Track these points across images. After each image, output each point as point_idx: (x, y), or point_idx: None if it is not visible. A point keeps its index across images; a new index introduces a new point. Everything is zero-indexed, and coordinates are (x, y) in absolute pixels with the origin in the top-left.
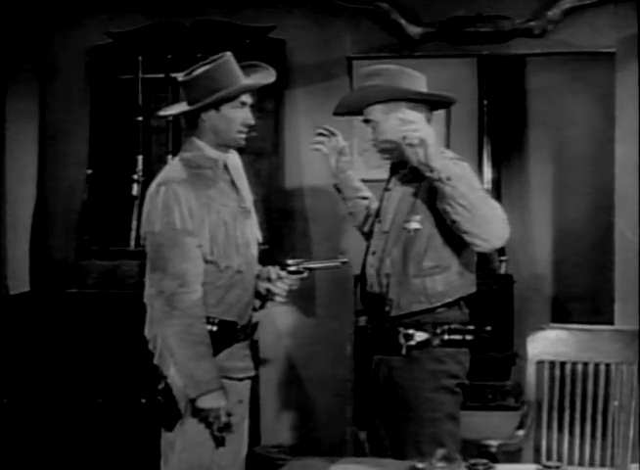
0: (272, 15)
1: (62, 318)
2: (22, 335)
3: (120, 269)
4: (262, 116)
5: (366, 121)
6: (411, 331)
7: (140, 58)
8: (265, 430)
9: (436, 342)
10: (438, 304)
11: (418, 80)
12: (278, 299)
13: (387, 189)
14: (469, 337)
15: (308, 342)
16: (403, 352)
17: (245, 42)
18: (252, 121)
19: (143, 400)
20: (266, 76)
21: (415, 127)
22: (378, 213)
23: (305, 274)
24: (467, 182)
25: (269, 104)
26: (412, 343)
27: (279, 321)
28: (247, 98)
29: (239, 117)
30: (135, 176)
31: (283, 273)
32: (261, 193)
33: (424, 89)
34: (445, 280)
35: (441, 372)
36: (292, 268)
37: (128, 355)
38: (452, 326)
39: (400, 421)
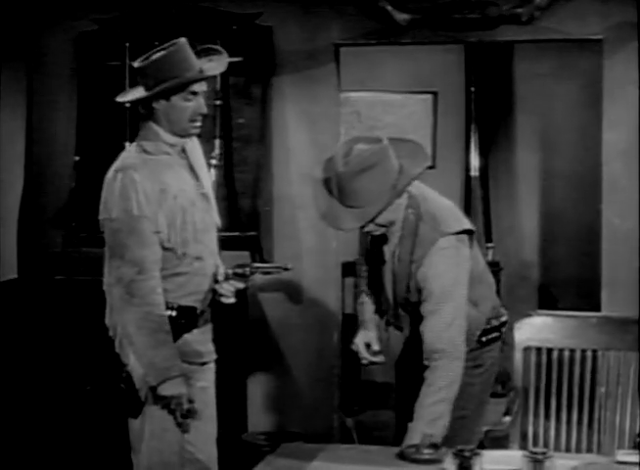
0: (259, 1)
1: (50, 305)
2: (10, 322)
3: None
4: (249, 103)
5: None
6: None
7: (127, 44)
8: (252, 417)
9: (474, 345)
10: (478, 335)
11: (390, 149)
12: (224, 300)
13: (382, 261)
14: (504, 328)
15: (295, 329)
16: None
17: (231, 29)
18: (204, 110)
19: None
20: (218, 65)
21: None
22: (377, 280)
23: (250, 277)
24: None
25: (256, 91)
26: None
27: (266, 308)
28: (198, 87)
29: (190, 106)
30: None
31: (230, 273)
32: (249, 180)
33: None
34: (477, 313)
35: (475, 367)
36: (238, 271)
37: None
38: (488, 326)
39: None
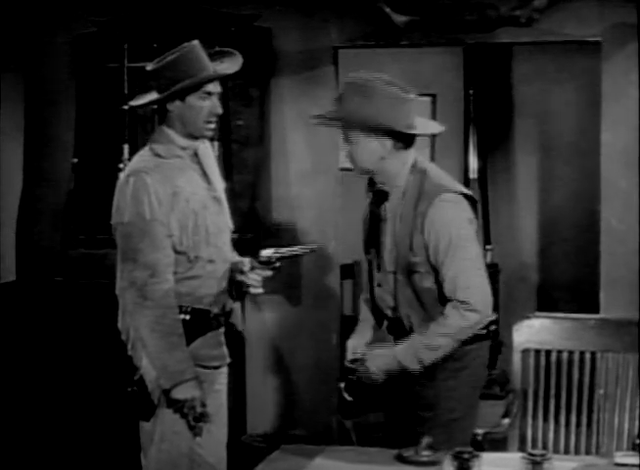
0: (258, 3)
1: (48, 307)
2: (9, 324)
3: (107, 258)
4: (248, 104)
5: (345, 137)
6: None
7: (125, 46)
8: (251, 419)
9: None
10: None
11: (406, 107)
12: (252, 290)
13: (382, 219)
14: (492, 328)
15: (294, 331)
16: None
17: (230, 30)
18: (220, 111)
19: (130, 389)
20: (231, 66)
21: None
22: (375, 245)
23: (278, 264)
24: (427, 342)
25: (255, 92)
26: None
27: (265, 310)
28: (213, 87)
29: (205, 106)
30: (121, 165)
31: (255, 264)
32: (248, 181)
33: (409, 119)
34: None
35: (462, 370)
36: (263, 259)
37: (116, 344)
38: None
39: (417, 421)
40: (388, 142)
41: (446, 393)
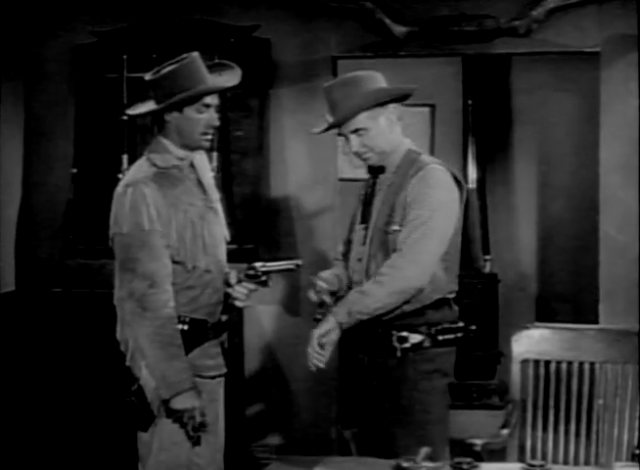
0: (257, 14)
1: (47, 318)
2: (8, 334)
3: (106, 268)
4: (247, 115)
5: (354, 131)
6: (405, 333)
7: (125, 57)
8: (250, 430)
9: (430, 343)
10: (428, 302)
11: (383, 80)
12: (238, 303)
13: (375, 192)
14: (460, 334)
15: (293, 341)
16: (398, 354)
17: (229, 41)
18: (217, 123)
19: (128, 399)
20: (230, 78)
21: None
22: (364, 219)
23: (264, 278)
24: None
25: (254, 103)
26: (406, 345)
27: (264, 320)
28: (211, 100)
29: (202, 118)
30: (120, 175)
31: (242, 277)
32: (246, 192)
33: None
34: (431, 278)
35: (434, 372)
36: (249, 272)
37: (114, 354)
38: (444, 326)
39: (392, 423)
40: (393, 110)
41: (421, 395)
